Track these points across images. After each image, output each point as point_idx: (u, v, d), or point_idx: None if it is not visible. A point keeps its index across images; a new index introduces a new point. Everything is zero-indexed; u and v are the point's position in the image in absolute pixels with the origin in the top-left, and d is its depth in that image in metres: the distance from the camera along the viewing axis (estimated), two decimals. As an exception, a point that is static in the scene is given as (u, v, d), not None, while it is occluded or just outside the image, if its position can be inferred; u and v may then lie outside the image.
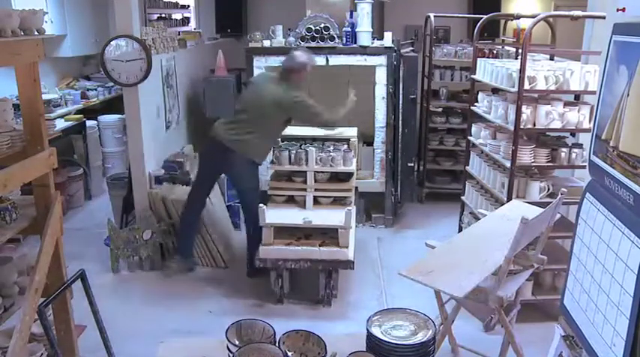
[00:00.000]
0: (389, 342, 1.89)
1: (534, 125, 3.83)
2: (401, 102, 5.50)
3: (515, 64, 4.10)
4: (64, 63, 6.87)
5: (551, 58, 4.74)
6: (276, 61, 5.29)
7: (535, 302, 3.92)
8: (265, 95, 4.33)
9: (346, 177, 4.50)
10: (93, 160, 6.43)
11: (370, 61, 5.27)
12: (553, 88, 3.78)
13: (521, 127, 3.77)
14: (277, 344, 1.93)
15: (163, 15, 7.92)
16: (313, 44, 5.17)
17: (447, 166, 6.51)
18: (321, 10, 5.57)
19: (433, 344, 1.93)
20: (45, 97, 4.94)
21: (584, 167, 3.36)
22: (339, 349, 1.94)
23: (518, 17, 4.96)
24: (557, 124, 3.81)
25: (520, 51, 3.97)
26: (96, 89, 6.86)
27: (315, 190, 4.39)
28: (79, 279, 2.88)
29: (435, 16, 6.25)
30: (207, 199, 4.67)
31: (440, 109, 6.52)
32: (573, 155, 3.88)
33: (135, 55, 4.61)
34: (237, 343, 1.96)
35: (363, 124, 5.86)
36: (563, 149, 3.89)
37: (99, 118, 6.58)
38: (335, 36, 5.16)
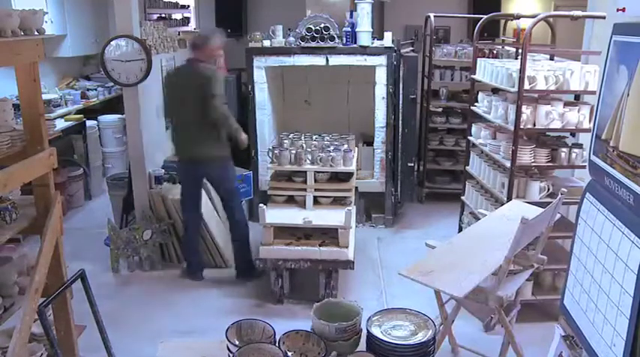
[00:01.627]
0: (389, 342, 1.89)
1: (534, 125, 3.83)
2: (401, 102, 5.51)
3: (515, 64, 4.10)
4: (64, 63, 6.87)
5: (551, 58, 4.74)
6: (276, 61, 5.30)
7: (535, 302, 3.92)
8: (184, 83, 4.28)
9: (346, 177, 4.49)
10: (93, 160, 6.43)
11: (370, 61, 5.27)
12: (553, 88, 3.78)
13: (521, 127, 3.77)
14: (277, 344, 1.93)
15: (163, 15, 7.92)
16: (313, 44, 5.17)
17: (447, 166, 6.51)
18: (321, 10, 5.58)
19: (433, 344, 1.93)
20: (45, 97, 4.95)
21: (584, 167, 3.37)
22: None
23: (518, 17, 4.96)
24: (557, 124, 3.81)
25: (520, 51, 3.97)
26: (96, 89, 6.86)
27: (315, 190, 4.39)
28: (79, 279, 2.88)
29: (435, 16, 6.25)
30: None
31: (440, 109, 6.52)
32: (573, 155, 3.88)
33: (135, 55, 4.61)
34: (237, 343, 1.96)
35: (363, 124, 5.88)
36: (563, 149, 3.89)
37: (99, 118, 6.58)
38: (335, 36, 5.16)
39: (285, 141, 4.74)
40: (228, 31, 8.22)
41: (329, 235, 4.13)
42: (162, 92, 5.31)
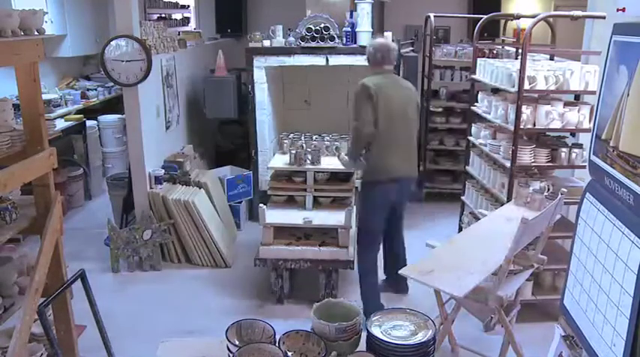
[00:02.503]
0: (389, 342, 1.89)
1: (534, 125, 3.83)
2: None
3: (515, 64, 4.10)
4: (64, 63, 6.87)
5: (551, 58, 4.74)
6: (276, 61, 5.30)
7: (535, 302, 3.92)
8: None
9: (346, 177, 4.50)
10: (93, 160, 6.43)
11: (370, 61, 5.25)
12: (553, 88, 3.78)
13: (521, 127, 3.77)
14: (277, 344, 1.93)
15: (163, 15, 7.93)
16: (313, 44, 5.17)
17: (447, 166, 6.51)
18: (321, 10, 5.57)
19: (433, 344, 1.92)
20: (45, 97, 4.95)
21: (584, 167, 3.37)
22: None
23: (518, 17, 4.96)
24: (557, 124, 3.81)
25: (520, 51, 3.97)
26: (96, 89, 6.86)
27: (315, 190, 4.39)
28: (79, 279, 2.88)
29: (435, 16, 6.25)
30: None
31: (440, 109, 6.52)
32: (573, 155, 3.88)
33: (135, 55, 4.61)
34: (237, 343, 1.95)
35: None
36: (563, 149, 3.89)
37: (99, 118, 6.58)
38: (335, 36, 5.16)
39: (285, 141, 4.74)
40: (229, 31, 8.29)
41: (329, 235, 4.14)
42: (160, 92, 5.32)
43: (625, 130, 1.55)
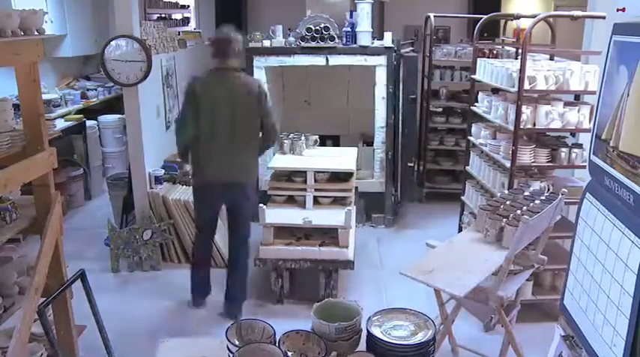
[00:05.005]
0: (389, 342, 1.89)
1: (534, 125, 3.83)
2: (401, 102, 5.51)
3: (515, 64, 4.10)
4: (64, 63, 6.87)
5: (551, 58, 4.74)
6: (276, 61, 5.30)
7: (535, 302, 3.92)
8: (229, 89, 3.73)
9: (346, 177, 4.49)
10: (93, 160, 6.43)
11: (370, 61, 5.27)
12: (553, 88, 3.78)
13: (521, 127, 3.77)
14: (277, 344, 1.93)
15: (163, 15, 7.92)
16: (313, 44, 5.17)
17: (447, 166, 6.51)
18: (321, 10, 5.57)
19: (433, 344, 1.93)
20: (45, 97, 4.94)
21: (584, 167, 3.37)
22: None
23: (518, 17, 4.96)
24: (557, 124, 3.81)
25: (520, 51, 3.97)
26: (96, 89, 6.86)
27: (315, 190, 4.39)
28: (79, 279, 2.88)
29: (435, 16, 6.25)
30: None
31: (440, 109, 6.53)
32: (573, 155, 3.88)
33: (135, 55, 4.61)
34: (237, 343, 1.96)
35: (363, 124, 5.88)
36: (563, 149, 3.89)
37: (99, 118, 6.58)
38: (335, 36, 5.16)
39: (285, 141, 4.74)
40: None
41: (329, 235, 4.13)
42: (160, 92, 5.32)
43: (625, 130, 1.56)
